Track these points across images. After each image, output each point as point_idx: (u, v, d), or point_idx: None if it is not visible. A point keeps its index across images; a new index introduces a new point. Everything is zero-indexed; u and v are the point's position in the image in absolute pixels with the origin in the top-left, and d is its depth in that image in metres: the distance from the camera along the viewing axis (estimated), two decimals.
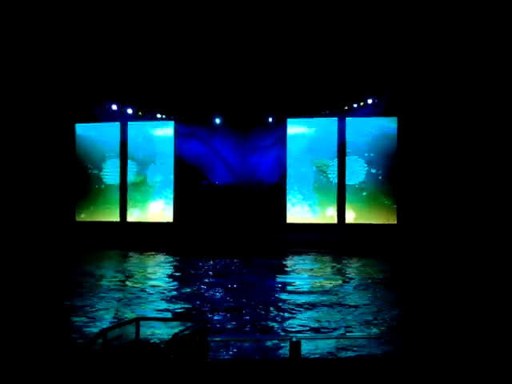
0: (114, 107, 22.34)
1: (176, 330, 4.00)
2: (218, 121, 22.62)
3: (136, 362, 4.05)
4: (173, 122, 22.38)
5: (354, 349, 6.91)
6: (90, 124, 22.74)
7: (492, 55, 17.99)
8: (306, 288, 11.81)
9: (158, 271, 14.83)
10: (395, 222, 20.12)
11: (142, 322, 4.38)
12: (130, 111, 22.39)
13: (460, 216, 18.28)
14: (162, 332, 7.18)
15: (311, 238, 20.07)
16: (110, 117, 22.53)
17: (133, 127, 22.58)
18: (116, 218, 22.21)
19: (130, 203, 22.32)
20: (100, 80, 21.59)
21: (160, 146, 22.41)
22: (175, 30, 20.86)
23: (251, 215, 21.15)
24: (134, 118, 22.57)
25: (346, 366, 6.20)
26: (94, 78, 21.44)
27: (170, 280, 13.44)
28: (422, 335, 7.35)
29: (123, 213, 22.30)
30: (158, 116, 22.67)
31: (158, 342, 4.04)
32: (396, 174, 20.38)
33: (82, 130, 22.88)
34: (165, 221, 21.75)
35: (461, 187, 18.72)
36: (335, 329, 8.14)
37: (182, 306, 10.06)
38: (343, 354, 6.76)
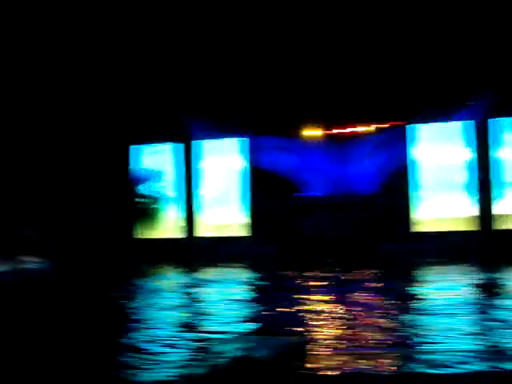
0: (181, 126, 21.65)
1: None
2: (306, 132, 22.22)
3: (240, 377, 4.09)
4: (247, 137, 21.74)
5: None
6: (147, 145, 22.36)
7: None
8: None
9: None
10: None
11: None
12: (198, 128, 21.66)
13: None
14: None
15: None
16: (173, 136, 22.09)
17: (198, 145, 22.06)
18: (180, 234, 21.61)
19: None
20: (164, 94, 20.96)
21: (232, 160, 21.82)
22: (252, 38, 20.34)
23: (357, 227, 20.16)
24: (203, 135, 21.92)
25: None
26: (156, 92, 20.91)
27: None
28: None
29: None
30: (230, 131, 21.71)
31: (259, 357, 4.05)
32: None
33: (138, 151, 22.54)
34: (241, 235, 20.98)
35: None
36: None
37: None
38: None
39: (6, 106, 21.73)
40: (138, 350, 6.97)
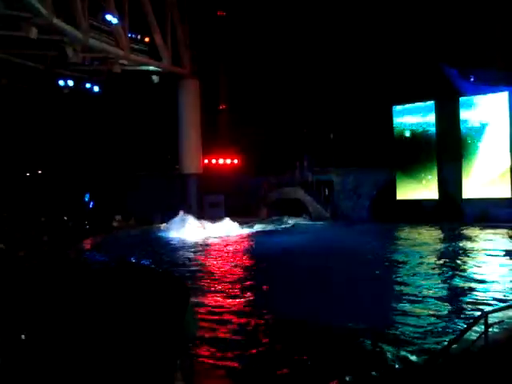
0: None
1: None
2: None
3: None
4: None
5: None
6: (408, 104, 22.18)
7: None
8: None
9: None
10: None
11: None
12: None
13: None
14: None
15: None
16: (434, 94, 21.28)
17: (459, 102, 20.75)
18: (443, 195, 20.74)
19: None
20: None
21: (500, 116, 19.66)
22: None
23: None
24: (466, 91, 20.73)
25: None
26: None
27: None
28: None
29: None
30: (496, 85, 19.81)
31: None
32: None
33: (399, 111, 22.65)
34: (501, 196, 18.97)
35: None
36: None
37: None
38: None
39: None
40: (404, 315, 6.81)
